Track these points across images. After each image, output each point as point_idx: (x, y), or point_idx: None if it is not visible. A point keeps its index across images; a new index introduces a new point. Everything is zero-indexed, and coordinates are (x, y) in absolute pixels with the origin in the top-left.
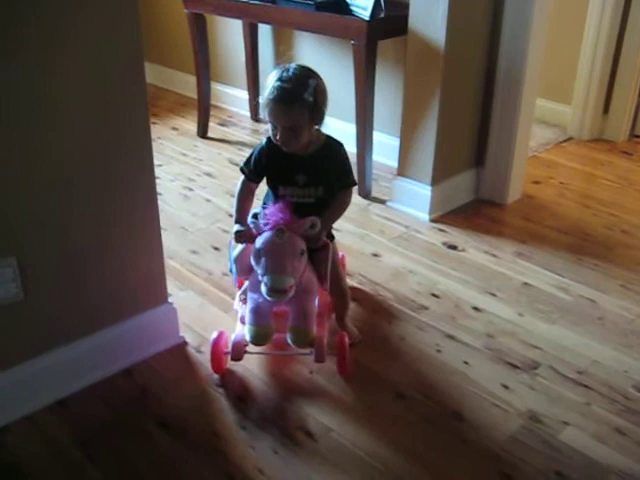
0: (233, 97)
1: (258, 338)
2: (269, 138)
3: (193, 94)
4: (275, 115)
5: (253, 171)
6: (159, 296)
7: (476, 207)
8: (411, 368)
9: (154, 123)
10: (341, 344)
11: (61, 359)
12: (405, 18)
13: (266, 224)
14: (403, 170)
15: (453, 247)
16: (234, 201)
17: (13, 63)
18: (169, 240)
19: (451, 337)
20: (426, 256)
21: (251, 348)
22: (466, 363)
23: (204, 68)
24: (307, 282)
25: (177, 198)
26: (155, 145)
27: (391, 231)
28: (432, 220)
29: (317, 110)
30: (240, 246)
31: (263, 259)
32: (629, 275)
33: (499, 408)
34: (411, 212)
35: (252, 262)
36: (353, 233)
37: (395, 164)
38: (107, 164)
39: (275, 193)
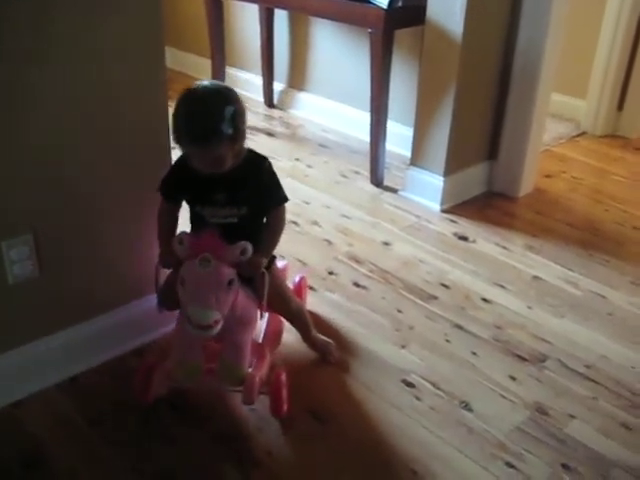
0: (247, 82)
1: (185, 375)
2: (184, 155)
3: (207, 78)
4: (193, 153)
5: (170, 191)
6: None
7: (488, 199)
8: (420, 357)
9: (168, 106)
10: (276, 383)
11: (74, 337)
12: (423, 8)
13: (190, 250)
14: (416, 160)
15: (464, 238)
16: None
17: (40, 46)
18: (181, 222)
19: (460, 327)
20: (437, 246)
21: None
22: (474, 354)
23: (219, 52)
24: (243, 313)
25: None
26: None
27: (402, 220)
28: (443, 211)
29: (238, 136)
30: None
31: (186, 290)
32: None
33: (506, 399)
34: (423, 202)
35: (178, 290)
36: (364, 221)
37: (408, 154)
38: (125, 145)
39: (193, 213)
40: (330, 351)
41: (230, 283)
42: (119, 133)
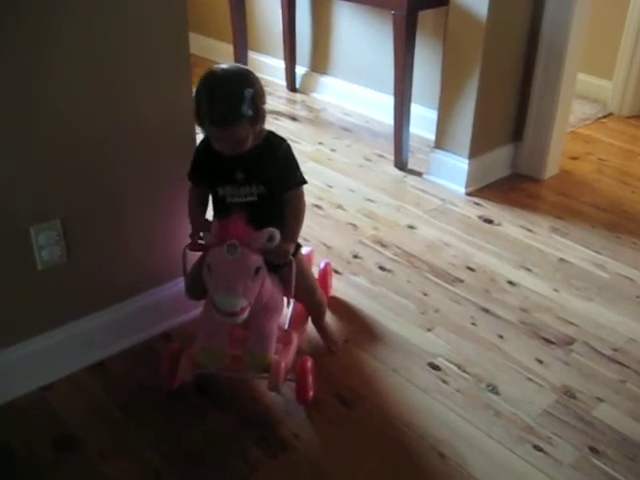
0: (270, 66)
1: (210, 361)
2: (206, 137)
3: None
4: (217, 136)
5: (195, 175)
6: None
7: (513, 182)
8: (446, 340)
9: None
10: (302, 371)
11: (102, 321)
12: None
13: (217, 237)
14: (440, 143)
15: (489, 221)
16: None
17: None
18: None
19: (486, 310)
20: (462, 229)
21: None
22: (501, 337)
23: (241, 37)
24: (269, 300)
25: None
26: None
27: (427, 203)
28: (468, 193)
29: (259, 117)
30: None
31: (213, 276)
32: None
33: (533, 382)
34: (447, 185)
35: (204, 276)
36: (388, 204)
37: (432, 136)
38: (150, 130)
39: (215, 196)
40: (335, 341)
41: (257, 270)
42: (144, 119)
